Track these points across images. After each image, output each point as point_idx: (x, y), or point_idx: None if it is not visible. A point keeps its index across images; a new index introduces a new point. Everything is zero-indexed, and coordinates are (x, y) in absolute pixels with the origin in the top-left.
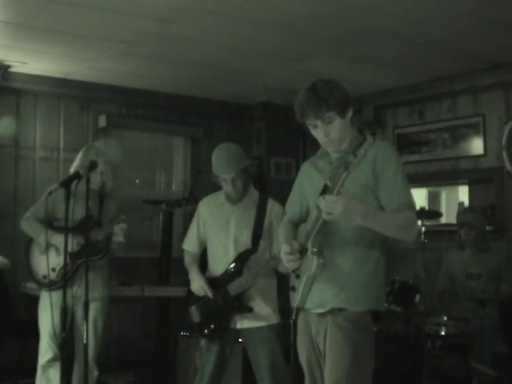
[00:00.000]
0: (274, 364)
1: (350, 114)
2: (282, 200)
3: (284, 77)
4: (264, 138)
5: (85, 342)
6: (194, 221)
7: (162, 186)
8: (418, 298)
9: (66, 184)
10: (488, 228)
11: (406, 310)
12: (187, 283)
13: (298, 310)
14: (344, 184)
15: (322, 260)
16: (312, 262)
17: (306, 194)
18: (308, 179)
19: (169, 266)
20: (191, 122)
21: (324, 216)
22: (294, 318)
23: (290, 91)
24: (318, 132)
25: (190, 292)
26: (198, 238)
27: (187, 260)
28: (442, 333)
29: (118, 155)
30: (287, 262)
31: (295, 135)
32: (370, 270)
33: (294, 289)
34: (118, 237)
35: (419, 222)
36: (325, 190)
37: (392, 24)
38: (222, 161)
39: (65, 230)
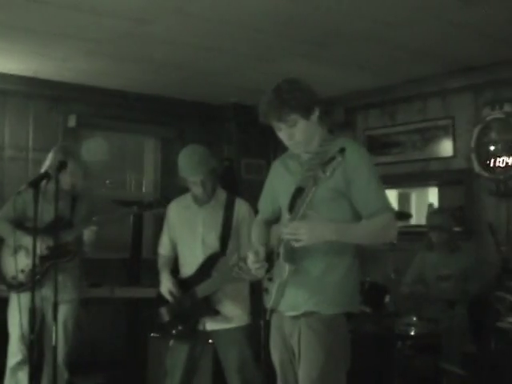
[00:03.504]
0: (244, 365)
1: (315, 114)
2: (254, 201)
3: (255, 78)
4: (235, 139)
5: (54, 344)
6: (165, 224)
7: (132, 186)
8: (387, 298)
9: (35, 184)
10: (457, 229)
11: (375, 310)
12: (158, 284)
13: (272, 311)
14: (311, 200)
15: (294, 267)
16: (284, 268)
17: (277, 193)
18: (279, 179)
19: (139, 267)
20: (162, 122)
21: (293, 244)
22: (267, 318)
23: (262, 92)
24: (283, 135)
25: (160, 293)
26: (169, 241)
27: (159, 262)
28: (412, 333)
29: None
30: (254, 270)
31: (266, 136)
32: (342, 274)
33: (267, 291)
34: (89, 239)
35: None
36: (296, 194)
37: (363, 26)
38: (190, 164)
39: (33, 231)
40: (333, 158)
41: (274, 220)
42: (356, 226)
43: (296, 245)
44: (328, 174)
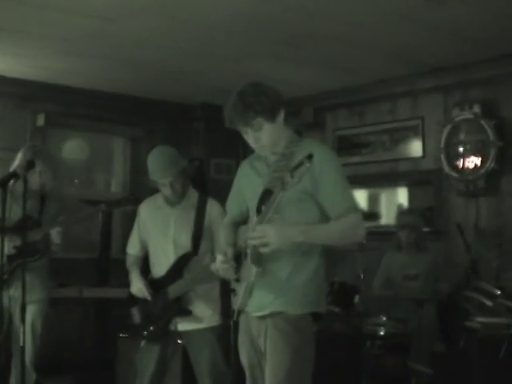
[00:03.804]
0: (215, 366)
1: (281, 116)
2: (224, 201)
3: (224, 78)
4: (204, 139)
5: (22, 344)
6: (136, 224)
7: (101, 186)
8: (357, 298)
9: (3, 184)
10: (426, 229)
11: (345, 310)
12: (127, 284)
13: (239, 311)
14: (279, 203)
15: (260, 269)
16: (251, 270)
17: (244, 194)
18: (246, 180)
19: (108, 266)
20: (131, 121)
21: (260, 250)
22: (235, 319)
23: (231, 92)
24: (249, 138)
25: (131, 293)
26: (139, 241)
27: (128, 262)
28: (381, 333)
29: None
30: (223, 271)
31: (235, 136)
32: (308, 275)
33: (234, 292)
34: (55, 239)
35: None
36: (264, 195)
37: (333, 27)
38: (159, 165)
39: (0, 231)
40: (301, 164)
41: (242, 221)
42: (323, 226)
43: (263, 250)
44: (296, 179)
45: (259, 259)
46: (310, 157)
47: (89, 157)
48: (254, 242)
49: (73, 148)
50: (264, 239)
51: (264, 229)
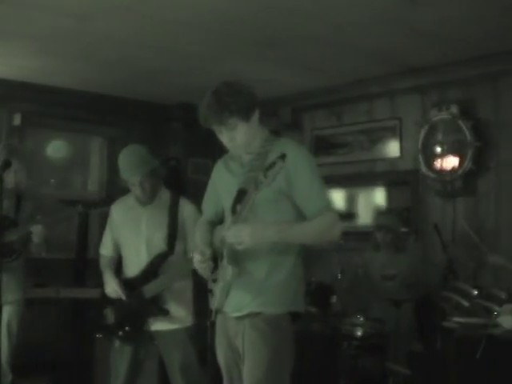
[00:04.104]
0: (188, 366)
1: (255, 116)
2: (201, 200)
3: (203, 77)
4: (182, 139)
5: None
6: (108, 224)
7: (78, 186)
8: (334, 298)
9: None
10: (403, 229)
11: (322, 310)
12: (104, 285)
13: (216, 312)
14: (254, 203)
15: (237, 269)
16: (228, 270)
17: (219, 194)
18: (221, 180)
19: (85, 267)
20: (108, 121)
21: (236, 247)
22: (212, 319)
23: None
24: (223, 137)
25: (105, 294)
26: (112, 242)
27: (102, 263)
28: (359, 333)
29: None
30: (200, 270)
31: (213, 136)
32: (286, 274)
33: (212, 292)
34: (36, 238)
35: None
36: (239, 195)
37: (311, 27)
38: (128, 165)
39: None
40: (274, 163)
41: (218, 221)
42: (299, 225)
43: (239, 247)
44: (269, 179)
45: (236, 259)
46: (282, 156)
47: (66, 156)
48: (229, 241)
49: (50, 148)
50: (239, 238)
51: (239, 228)
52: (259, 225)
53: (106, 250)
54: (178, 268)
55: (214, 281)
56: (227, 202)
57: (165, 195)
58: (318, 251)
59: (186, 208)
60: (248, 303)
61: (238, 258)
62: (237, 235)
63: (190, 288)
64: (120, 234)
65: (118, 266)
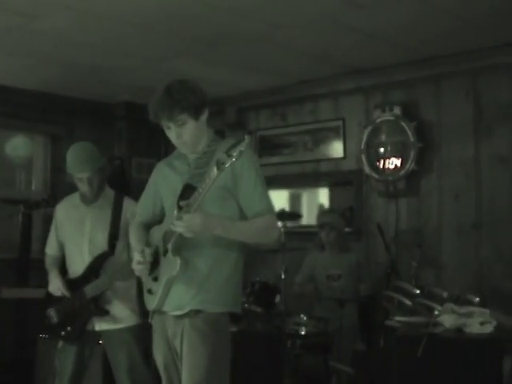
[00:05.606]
0: (133, 366)
1: (204, 116)
2: None
3: (147, 76)
4: (126, 138)
5: None
6: (53, 224)
7: (21, 185)
8: (278, 298)
9: None
10: (347, 229)
11: (266, 310)
12: (47, 285)
13: (154, 312)
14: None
15: (185, 260)
16: (175, 264)
17: (161, 194)
18: (164, 179)
19: (27, 267)
20: (52, 120)
21: (184, 234)
22: (149, 321)
23: (153, 91)
24: (171, 133)
25: (49, 293)
26: (57, 241)
27: (47, 262)
28: (302, 332)
29: None
30: (138, 272)
31: (157, 135)
32: (228, 271)
33: (150, 291)
34: None
35: (280, 224)
36: (185, 190)
37: (256, 27)
38: (78, 160)
39: None
40: (239, 142)
41: (153, 223)
42: (240, 223)
43: (188, 235)
44: (234, 158)
45: (181, 252)
46: (249, 133)
47: (8, 155)
48: (179, 230)
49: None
50: (190, 227)
51: (192, 216)
52: (209, 216)
53: (51, 249)
54: (120, 268)
55: (155, 279)
56: (170, 200)
57: (109, 194)
58: (262, 252)
59: (129, 208)
60: (189, 301)
61: (183, 251)
62: (189, 223)
63: (134, 287)
64: (64, 233)
65: (62, 265)
